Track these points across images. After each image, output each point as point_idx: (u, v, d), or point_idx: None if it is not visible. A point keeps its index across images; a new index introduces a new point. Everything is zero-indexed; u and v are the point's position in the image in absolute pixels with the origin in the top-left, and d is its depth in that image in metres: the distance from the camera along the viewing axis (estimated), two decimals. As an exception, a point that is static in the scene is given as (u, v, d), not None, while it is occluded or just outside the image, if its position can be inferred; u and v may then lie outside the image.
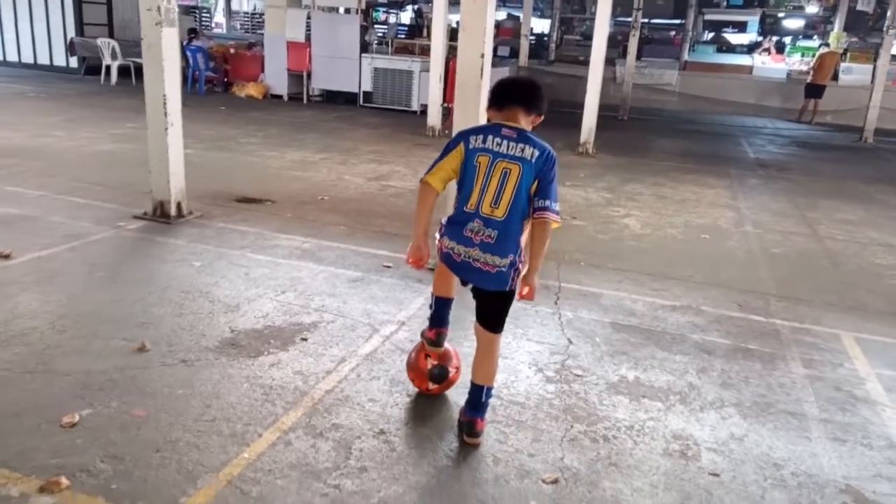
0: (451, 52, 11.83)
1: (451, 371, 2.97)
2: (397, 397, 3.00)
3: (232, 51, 15.51)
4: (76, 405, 2.75)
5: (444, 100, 11.44)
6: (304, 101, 14.69)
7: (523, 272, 2.56)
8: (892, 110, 14.97)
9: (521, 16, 18.42)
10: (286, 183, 6.96)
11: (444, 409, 2.96)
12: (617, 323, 4.01)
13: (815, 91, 15.44)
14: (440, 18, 10.79)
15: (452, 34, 12.33)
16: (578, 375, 3.32)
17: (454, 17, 12.73)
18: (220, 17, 24.62)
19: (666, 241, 5.86)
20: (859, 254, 5.80)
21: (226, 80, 15.05)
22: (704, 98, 17.28)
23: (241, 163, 7.80)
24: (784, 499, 2.49)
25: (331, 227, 5.49)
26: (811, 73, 15.61)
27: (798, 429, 2.98)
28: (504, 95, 2.61)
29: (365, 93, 14.33)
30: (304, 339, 3.47)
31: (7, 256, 4.27)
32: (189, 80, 13.20)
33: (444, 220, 2.68)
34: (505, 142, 2.51)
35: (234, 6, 24.94)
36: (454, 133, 2.77)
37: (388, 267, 4.62)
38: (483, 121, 4.60)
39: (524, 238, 2.57)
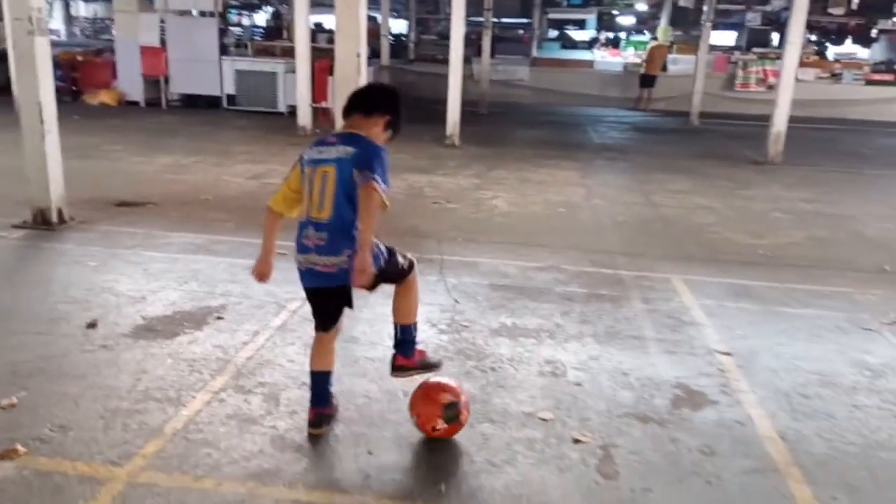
0: (315, 53, 12.12)
1: (463, 413, 2.75)
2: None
3: (80, 58, 14.80)
4: (11, 390, 2.93)
5: (313, 99, 11.72)
6: (163, 106, 14.34)
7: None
8: (713, 95, 17.02)
9: (380, 17, 18.92)
10: (164, 186, 7.03)
11: (359, 360, 3.40)
12: (494, 284, 4.62)
13: (647, 81, 17.19)
14: (302, 20, 11.05)
15: (312, 35, 12.62)
16: (466, 326, 3.89)
17: (313, 18, 12.98)
18: (57, 24, 23.12)
19: (529, 216, 6.60)
20: (686, 216, 6.85)
21: (74, 88, 14.35)
22: (554, 91, 18.66)
23: (112, 169, 7.72)
24: (631, 396, 3.18)
25: (219, 224, 5.72)
26: (644, 65, 17.36)
27: (640, 348, 3.72)
28: (347, 104, 2.70)
29: (228, 95, 14.23)
30: (220, 318, 3.79)
31: None
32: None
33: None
34: (325, 148, 2.58)
35: (73, 12, 23.51)
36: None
37: (283, 254, 4.95)
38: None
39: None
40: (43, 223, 5.28)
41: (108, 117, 12.03)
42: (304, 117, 11.36)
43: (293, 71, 12.69)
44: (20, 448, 2.53)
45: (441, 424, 2.68)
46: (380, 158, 2.54)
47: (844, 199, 7.89)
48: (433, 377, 2.86)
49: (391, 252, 2.71)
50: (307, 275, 2.65)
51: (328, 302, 2.72)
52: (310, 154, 2.62)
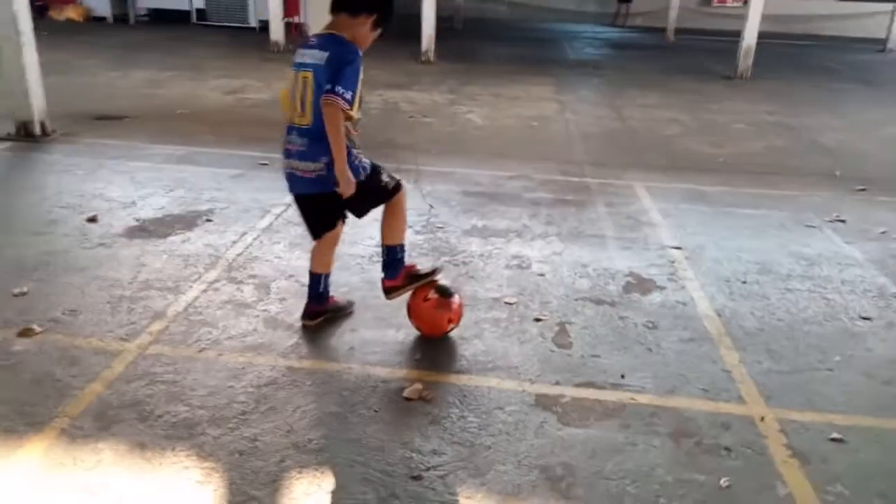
0: (286, -34, 11.83)
1: (455, 296, 2.92)
2: (298, 254, 3.68)
3: (41, -31, 14.22)
4: (20, 282, 3.18)
5: (285, 14, 11.54)
6: (131, 21, 14.01)
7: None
8: (691, 10, 16.96)
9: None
10: (140, 100, 7.08)
11: (342, 256, 3.68)
12: (467, 191, 4.89)
13: None
14: (272, -70, 10.74)
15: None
16: (440, 227, 4.17)
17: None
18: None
19: (502, 130, 6.81)
20: (653, 129, 7.11)
21: (39, 3, 13.89)
22: (531, 6, 18.43)
23: (87, 84, 7.71)
24: (588, 283, 3.52)
25: (199, 136, 5.85)
26: None
27: (599, 245, 4.05)
28: (333, 3, 2.62)
29: (198, 10, 13.91)
30: (209, 220, 4.03)
31: None
32: None
33: None
34: (307, 51, 2.56)
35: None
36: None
37: (265, 164, 5.16)
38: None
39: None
40: (26, 135, 5.39)
41: (76, 33, 11.78)
42: (277, 32, 11.24)
43: (264, -16, 12.44)
44: (36, 327, 2.80)
45: (433, 294, 2.85)
46: (351, 66, 2.48)
47: (807, 111, 8.18)
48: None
49: (375, 169, 2.72)
50: (290, 180, 2.71)
51: (310, 208, 2.77)
52: (295, 57, 2.63)
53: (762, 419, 2.49)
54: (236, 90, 7.85)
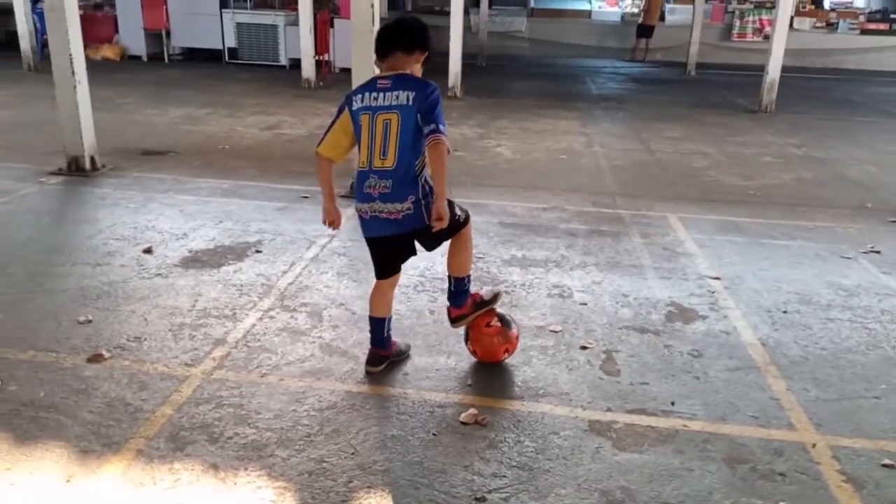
0: (315, 5, 12.20)
1: (514, 328, 3.02)
2: (346, 283, 3.80)
3: (81, 13, 14.79)
4: (83, 310, 3.32)
5: (317, 52, 11.88)
6: (166, 60, 14.46)
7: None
8: (711, 45, 17.16)
9: (376, -32, 18.77)
10: (182, 136, 7.33)
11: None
12: (503, 222, 5.00)
13: (645, 31, 17.30)
14: (305, -28, 11.12)
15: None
16: (480, 257, 4.27)
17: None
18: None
19: (532, 162, 6.94)
20: (681, 161, 7.20)
21: (77, 42, 14.40)
22: (552, 42, 18.75)
23: (129, 121, 7.99)
24: (630, 312, 3.60)
25: (241, 170, 6.05)
26: (641, 14, 17.44)
27: (638, 274, 4.12)
28: (382, 44, 2.65)
29: (229, 49, 14.34)
30: (258, 251, 4.17)
31: (-55, 212, 4.54)
32: (39, 46, 12.62)
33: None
34: (381, 94, 2.55)
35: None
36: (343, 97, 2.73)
37: (306, 197, 5.32)
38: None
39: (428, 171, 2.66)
40: (78, 170, 5.61)
41: (113, 72, 12.18)
42: (308, 70, 11.54)
43: (293, 23, 12.82)
44: (105, 353, 2.93)
45: (495, 322, 2.93)
46: (439, 103, 2.56)
47: (832, 144, 8.24)
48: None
49: (450, 203, 2.70)
50: (372, 223, 2.66)
51: (392, 249, 2.76)
52: (362, 100, 2.58)
53: (814, 446, 2.53)
54: (272, 126, 8.09)
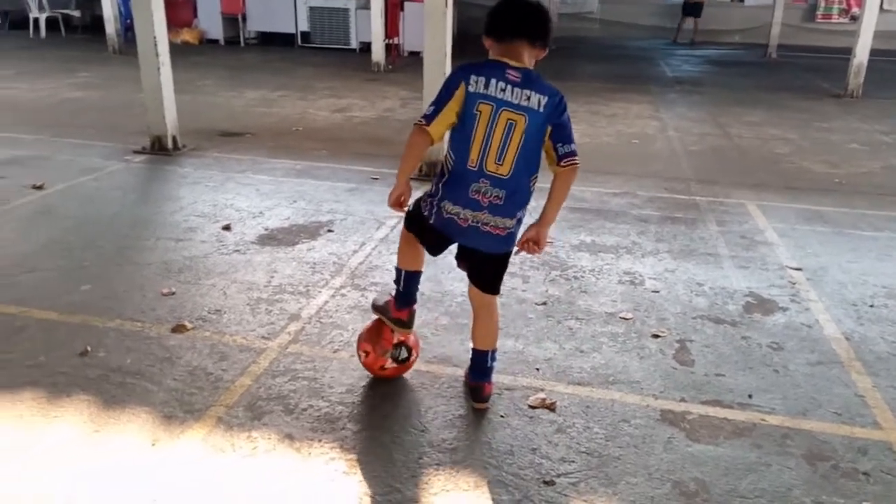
0: (388, -12, 12.25)
1: (413, 355, 2.68)
2: (414, 263, 3.83)
3: (162, -4, 15.33)
4: (167, 283, 3.48)
5: (387, 35, 11.95)
6: (241, 44, 14.83)
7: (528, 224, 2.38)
8: (793, 26, 16.35)
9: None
10: (257, 118, 7.52)
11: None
12: (572, 207, 4.92)
13: (692, 9, 16.41)
14: (378, -45, 11.17)
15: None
16: (549, 242, 4.21)
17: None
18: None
19: (602, 146, 6.81)
20: (761, 147, 6.92)
21: (159, 26, 14.96)
22: (624, 24, 18.26)
23: (207, 103, 8.25)
24: (705, 302, 3.49)
25: (314, 152, 6.17)
26: None
27: (714, 263, 4.00)
28: (507, 24, 2.25)
29: (302, 33, 14.59)
30: (330, 231, 4.26)
31: (40, 187, 4.81)
32: (123, 29, 13.16)
33: (439, 183, 2.34)
34: (510, 87, 2.18)
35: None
36: (450, 70, 2.51)
37: (376, 179, 5.38)
38: (448, 48, 5.34)
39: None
40: (160, 149, 5.84)
41: (192, 55, 12.57)
42: (378, 53, 11.62)
43: (364, 7, 12.92)
44: (188, 324, 3.06)
45: (390, 364, 2.60)
46: (568, 116, 2.27)
47: (927, 131, 7.74)
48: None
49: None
50: (470, 233, 2.30)
51: (485, 266, 2.44)
52: (486, 85, 2.19)
53: (902, 446, 2.41)
54: (343, 109, 8.21)
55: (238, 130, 6.86)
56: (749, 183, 5.64)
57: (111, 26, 12.16)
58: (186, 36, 14.49)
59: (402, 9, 13.17)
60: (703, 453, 2.34)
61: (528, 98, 2.19)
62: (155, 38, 5.56)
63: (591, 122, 7.83)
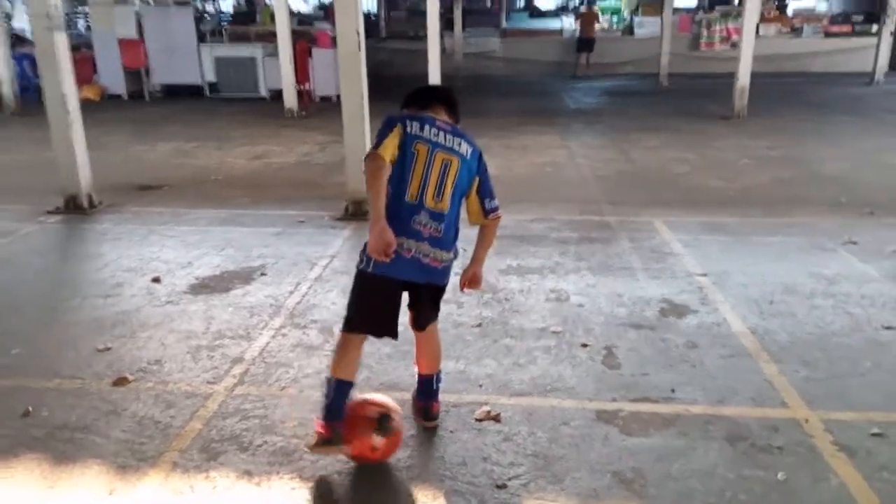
0: (295, 36, 12.42)
1: (396, 419, 2.45)
2: (350, 299, 3.94)
3: (59, 53, 14.90)
4: (100, 339, 3.44)
5: (297, 81, 12.07)
6: (146, 98, 14.58)
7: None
8: (680, 55, 17.60)
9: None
10: (173, 170, 7.46)
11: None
12: (498, 235, 5.15)
13: (585, 45, 17.66)
14: (283, 3, 11.35)
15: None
16: (477, 268, 4.43)
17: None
18: (21, 22, 22.89)
19: (518, 176, 7.15)
20: (662, 168, 7.45)
21: (58, 84, 14.50)
22: (526, 61, 19.13)
23: (119, 158, 8.11)
24: (625, 311, 3.77)
25: (236, 199, 6.19)
26: (578, 29, 17.83)
27: (630, 276, 4.30)
28: (426, 97, 2.56)
29: (209, 84, 14.51)
30: (263, 275, 4.30)
31: (-50, 255, 4.63)
32: (20, 90, 12.71)
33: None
34: (442, 133, 2.40)
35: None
36: (386, 118, 2.43)
37: (303, 221, 5.46)
38: (365, 90, 5.54)
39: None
40: (76, 208, 5.72)
41: (96, 111, 12.24)
42: (290, 100, 11.72)
43: (272, 54, 13.02)
44: (129, 376, 3.04)
45: (378, 441, 2.39)
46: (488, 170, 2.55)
47: (805, 144, 8.55)
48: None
49: None
50: (410, 265, 2.36)
51: (426, 299, 2.55)
52: (421, 129, 2.38)
53: (807, 421, 2.70)
54: (261, 156, 8.24)
55: (155, 183, 6.78)
56: (654, 201, 6.07)
57: (8, 87, 11.75)
58: (87, 93, 14.10)
59: (310, 55, 13.37)
60: (637, 445, 2.55)
61: (459, 144, 2.43)
62: (64, 94, 5.51)
63: (504, 155, 8.19)
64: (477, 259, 2.59)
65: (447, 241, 2.43)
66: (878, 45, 15.29)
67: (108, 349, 3.33)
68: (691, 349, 3.31)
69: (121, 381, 3.01)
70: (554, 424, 2.70)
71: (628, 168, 7.48)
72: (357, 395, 2.54)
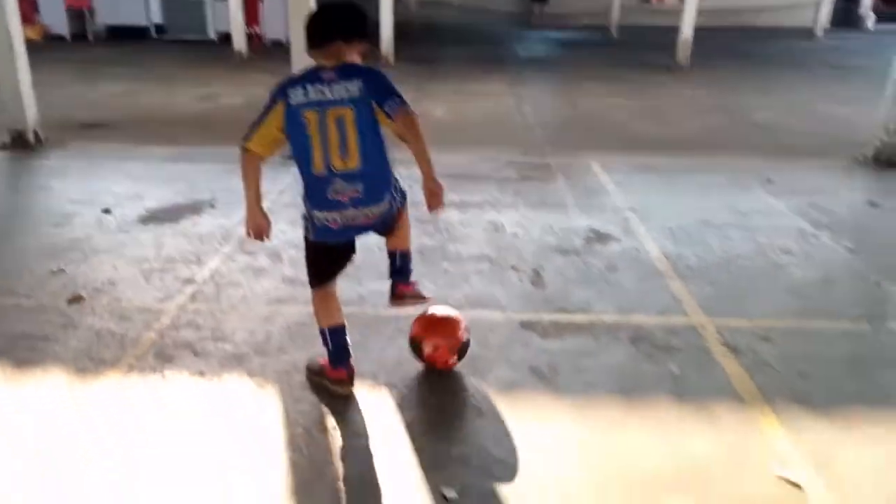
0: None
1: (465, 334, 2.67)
2: (299, 228, 4.13)
3: (-6, -11, 14.27)
4: (55, 262, 3.57)
5: (247, 24, 11.89)
6: (90, 39, 14.15)
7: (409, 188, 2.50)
8: (632, 8, 17.83)
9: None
10: (119, 110, 7.42)
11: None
12: (441, 173, 5.35)
13: None
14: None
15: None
16: (421, 203, 4.66)
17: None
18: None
19: (467, 121, 7.36)
20: (604, 115, 7.74)
21: (-7, 22, 13.93)
22: (481, 10, 19.09)
23: (63, 97, 8.00)
24: (555, 239, 4.07)
25: (186, 137, 6.25)
26: None
27: (562, 210, 4.60)
28: (318, 32, 2.31)
29: (156, 25, 14.15)
30: (213, 207, 4.46)
31: None
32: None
33: (303, 199, 2.42)
34: (327, 87, 2.25)
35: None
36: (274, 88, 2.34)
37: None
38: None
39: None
40: (22, 144, 5.71)
41: (38, 52, 11.83)
42: (240, 42, 11.59)
43: (223, -4, 12.76)
44: (83, 294, 3.21)
45: (454, 360, 2.65)
46: (389, 79, 2.32)
47: (741, 94, 8.95)
48: (437, 310, 2.76)
49: (397, 180, 2.55)
50: (343, 232, 2.39)
51: (348, 252, 2.54)
52: (305, 94, 2.26)
53: (703, 327, 3.06)
54: (210, 97, 8.23)
55: (101, 122, 6.77)
56: (593, 145, 6.37)
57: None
58: (29, 32, 13.55)
59: (261, -2, 13.15)
60: (554, 346, 2.87)
61: (348, 89, 2.25)
62: (9, 30, 5.45)
63: (455, 102, 8.37)
64: (423, 173, 2.38)
65: (373, 196, 2.34)
66: (818, 2, 15.77)
67: (63, 271, 3.48)
68: (610, 271, 3.64)
69: (76, 299, 3.18)
70: (483, 332, 2.99)
71: (572, 114, 7.75)
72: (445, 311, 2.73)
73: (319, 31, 2.31)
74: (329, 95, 2.25)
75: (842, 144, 6.27)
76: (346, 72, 2.28)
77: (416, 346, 2.68)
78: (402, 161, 2.49)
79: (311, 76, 2.28)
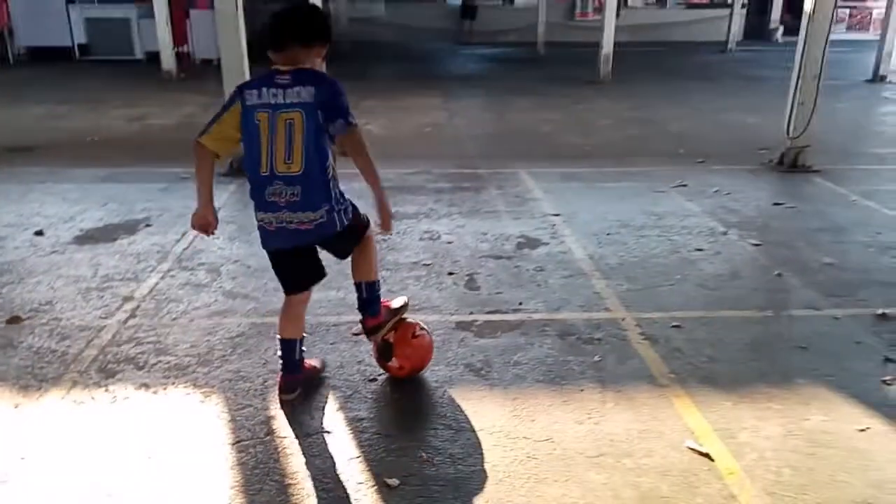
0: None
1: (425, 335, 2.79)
2: (238, 244, 4.22)
3: None
4: (-11, 285, 3.55)
5: (175, 43, 11.78)
6: (10, 61, 13.71)
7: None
8: (557, 24, 18.47)
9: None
10: (47, 132, 7.29)
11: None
12: (375, 187, 5.55)
13: (468, 12, 18.30)
14: (157, -37, 11.02)
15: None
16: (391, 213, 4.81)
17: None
18: None
19: (400, 136, 7.55)
20: (531, 127, 8.07)
21: None
22: (411, 27, 19.40)
23: (-15, 121, 7.77)
24: (488, 246, 4.28)
25: (116, 159, 6.20)
26: None
27: (495, 217, 4.83)
28: (277, 35, 2.34)
29: (80, 46, 13.83)
30: (148, 226, 4.48)
31: None
32: None
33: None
34: (280, 91, 2.30)
35: None
36: (230, 92, 2.44)
37: (186, 178, 5.59)
38: (244, 50, 5.70)
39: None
40: (-58, 169, 5.56)
41: (-48, 73, 11.49)
42: (168, 62, 11.48)
43: (147, 16, 12.57)
44: (22, 315, 3.22)
45: (419, 331, 2.79)
46: (343, 94, 2.35)
47: (658, 106, 9.47)
48: (426, 338, 2.82)
49: (355, 206, 2.59)
50: (276, 235, 2.42)
51: (299, 261, 2.54)
52: (259, 96, 2.32)
53: (623, 320, 3.31)
54: (140, 117, 8.16)
55: (28, 145, 6.63)
56: (522, 156, 6.65)
57: None
58: (-61, 53, 13.10)
59: (188, 16, 13.03)
60: (487, 344, 3.06)
61: (299, 94, 2.29)
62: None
63: (389, 117, 8.56)
64: (375, 197, 2.47)
65: (310, 202, 2.35)
66: (730, 16, 16.76)
67: (-3, 295, 3.47)
68: (539, 272, 3.87)
69: (14, 320, 3.18)
70: (419, 334, 3.15)
71: (501, 127, 8.05)
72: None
73: (277, 34, 2.35)
74: (281, 99, 2.31)
75: (750, 150, 6.75)
76: (302, 77, 2.32)
77: (387, 351, 2.74)
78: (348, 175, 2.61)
79: (267, 79, 2.35)
